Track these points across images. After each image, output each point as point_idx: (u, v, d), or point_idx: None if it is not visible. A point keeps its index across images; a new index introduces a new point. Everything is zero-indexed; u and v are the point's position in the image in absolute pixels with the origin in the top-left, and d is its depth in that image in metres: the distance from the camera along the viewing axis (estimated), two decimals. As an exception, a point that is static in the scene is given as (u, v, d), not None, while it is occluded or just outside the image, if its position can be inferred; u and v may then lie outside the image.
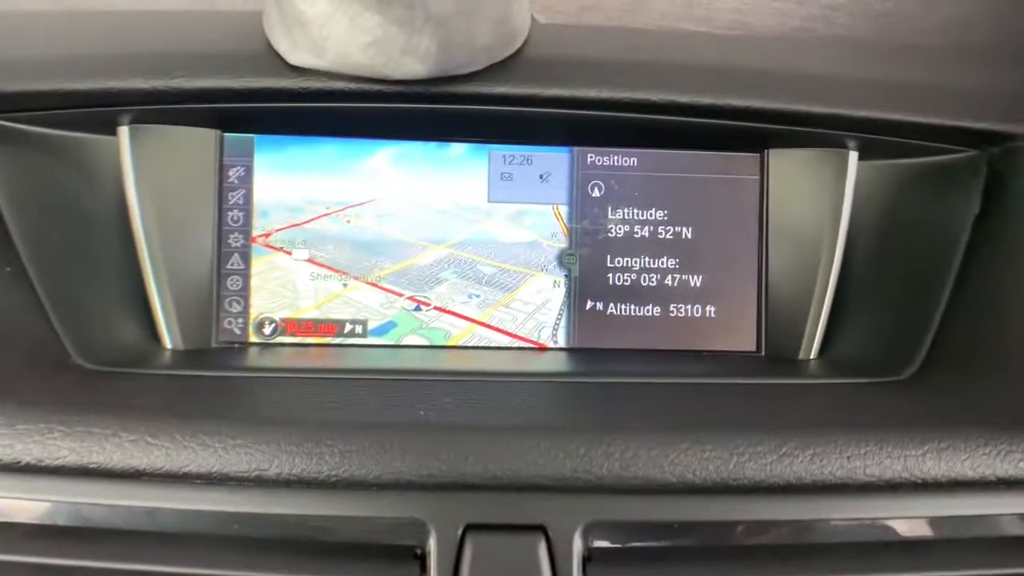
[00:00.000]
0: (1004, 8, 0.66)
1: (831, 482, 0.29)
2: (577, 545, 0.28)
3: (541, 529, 0.28)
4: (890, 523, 0.29)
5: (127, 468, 0.28)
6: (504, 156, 0.45)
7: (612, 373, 0.39)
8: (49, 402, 0.29)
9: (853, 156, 0.45)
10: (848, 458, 0.29)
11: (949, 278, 0.39)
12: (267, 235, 0.44)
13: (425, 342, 0.45)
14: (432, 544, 0.27)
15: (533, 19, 0.61)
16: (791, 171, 0.46)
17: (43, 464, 0.28)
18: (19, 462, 0.27)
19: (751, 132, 0.43)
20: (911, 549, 0.29)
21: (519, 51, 0.41)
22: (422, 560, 0.28)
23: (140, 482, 0.28)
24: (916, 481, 0.29)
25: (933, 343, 0.38)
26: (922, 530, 0.29)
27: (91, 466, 0.28)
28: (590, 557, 0.28)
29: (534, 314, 0.45)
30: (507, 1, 0.34)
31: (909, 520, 0.29)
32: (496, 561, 0.27)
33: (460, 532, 0.27)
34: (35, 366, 0.32)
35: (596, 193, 0.46)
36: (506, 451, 0.28)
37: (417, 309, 0.45)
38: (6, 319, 0.33)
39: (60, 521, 0.28)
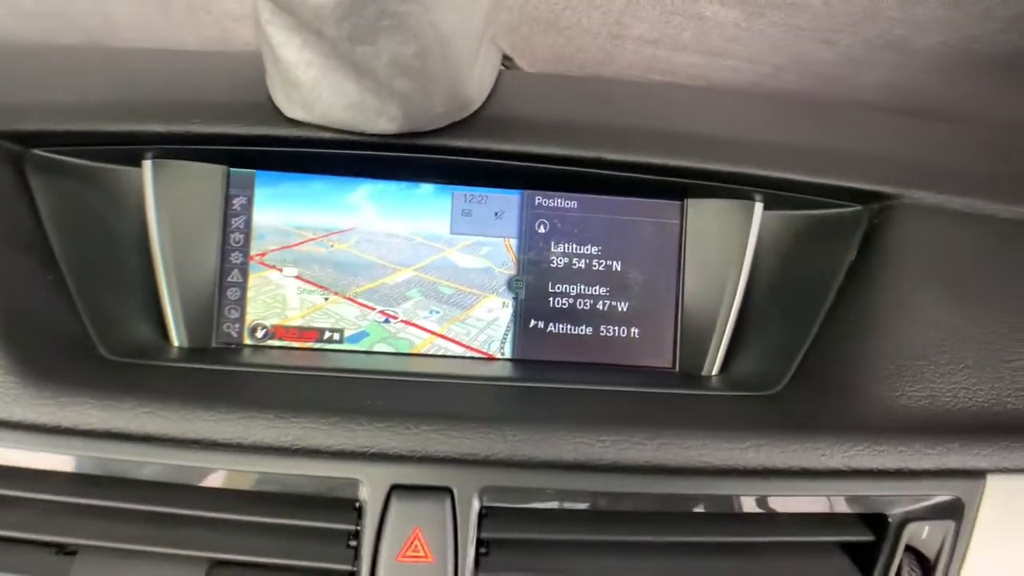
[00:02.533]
0: (924, 75, 0.74)
1: (670, 466, 0.37)
2: (475, 504, 0.36)
3: (448, 491, 0.36)
4: (722, 499, 0.37)
5: (141, 432, 0.36)
6: (465, 195, 0.54)
7: (544, 380, 0.47)
8: (82, 383, 0.37)
9: (759, 207, 0.53)
10: (686, 448, 0.37)
11: (820, 313, 0.47)
12: (263, 254, 0.52)
13: (392, 349, 0.53)
14: (366, 498, 0.36)
15: (514, 66, 0.70)
16: (706, 218, 0.54)
17: (78, 428, 0.36)
18: (60, 426, 0.36)
19: (672, 184, 0.51)
20: (732, 520, 0.37)
21: (481, 109, 0.49)
22: (359, 511, 0.36)
23: (150, 444, 0.36)
24: (739, 468, 0.37)
25: (798, 366, 0.46)
26: (740, 506, 0.37)
27: (113, 431, 0.36)
28: (485, 514, 0.37)
29: (485, 329, 0.53)
30: (456, 81, 0.42)
31: (729, 497, 0.37)
32: (413, 513, 0.35)
33: (387, 490, 0.36)
34: (70, 355, 0.41)
35: (542, 229, 0.54)
36: (426, 432, 0.37)
37: (386, 321, 0.53)
38: (49, 318, 0.41)
39: (89, 471, 0.36)
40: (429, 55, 0.38)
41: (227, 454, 0.36)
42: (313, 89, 0.43)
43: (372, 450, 0.36)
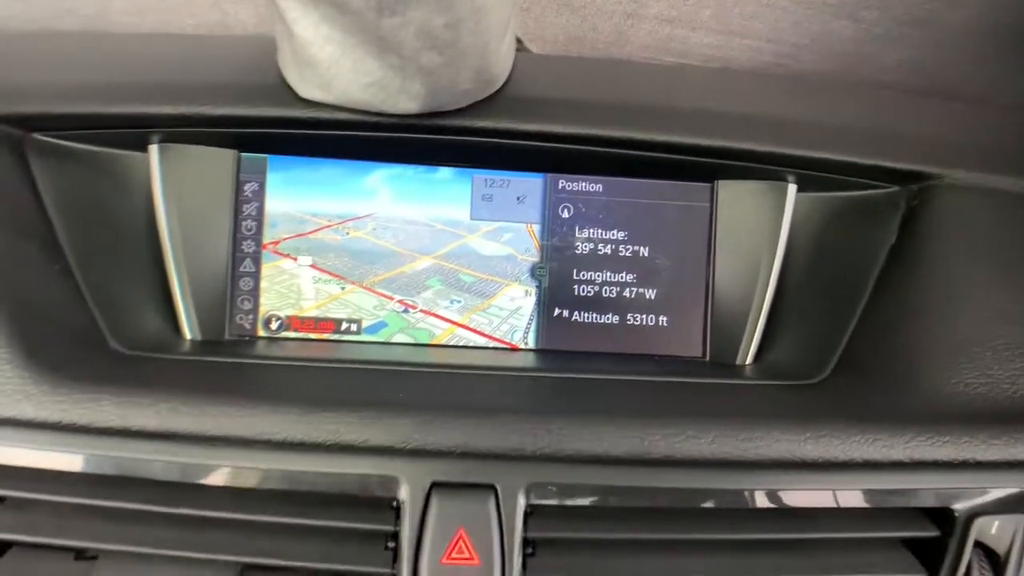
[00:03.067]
0: (951, 53, 0.72)
1: (726, 460, 0.35)
2: (520, 501, 0.34)
3: (492, 488, 0.34)
4: (776, 493, 0.36)
5: (161, 430, 0.34)
6: (485, 179, 0.51)
7: (572, 371, 0.45)
8: (95, 378, 0.35)
9: (792, 189, 0.51)
10: (741, 441, 0.35)
11: (862, 298, 0.45)
12: (276, 243, 0.50)
13: (411, 340, 0.51)
14: (406, 496, 0.33)
15: (524, 49, 0.68)
16: (737, 200, 0.52)
17: (93, 426, 0.34)
18: (75, 424, 0.34)
19: (703, 165, 0.49)
20: (789, 515, 0.36)
21: (501, 89, 0.47)
22: (397, 510, 0.34)
23: (171, 442, 0.34)
24: (796, 461, 0.35)
25: (842, 354, 0.44)
26: (797, 500, 0.36)
27: (133, 428, 0.34)
28: (531, 512, 0.35)
29: (508, 319, 0.51)
30: (484, 55, 0.40)
31: (788, 492, 0.35)
32: (456, 512, 0.33)
33: (427, 488, 0.34)
34: (80, 349, 0.38)
35: (566, 214, 0.52)
36: (467, 426, 0.34)
37: (405, 311, 0.51)
38: (56, 310, 0.39)
39: (106, 471, 0.34)
40: (462, 26, 0.36)
41: (255, 451, 0.34)
42: (331, 67, 0.41)
43: (411, 445, 0.34)
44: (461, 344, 0.51)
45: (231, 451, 0.33)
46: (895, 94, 0.63)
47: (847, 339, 0.44)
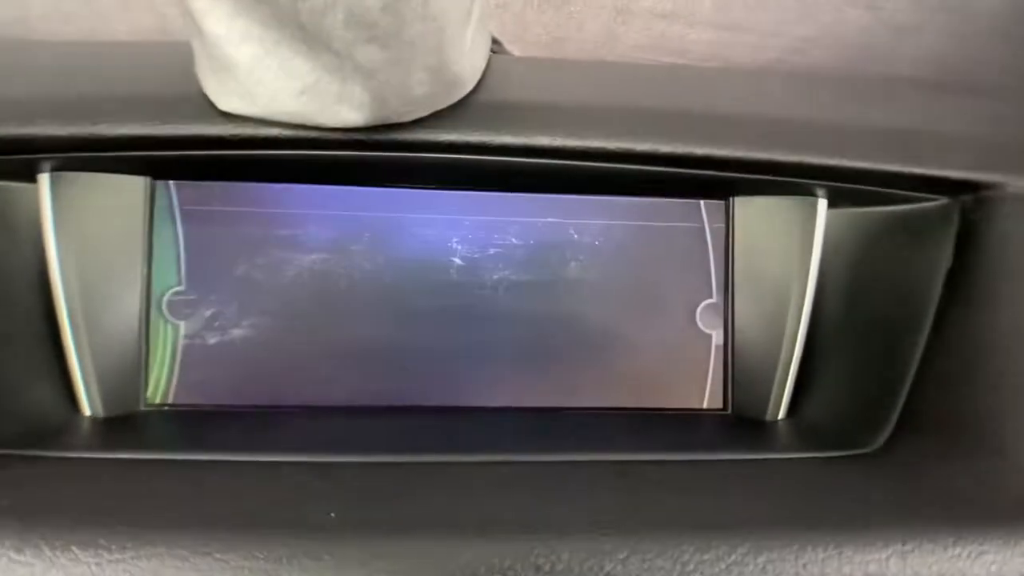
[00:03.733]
0: (981, 42, 0.65)
1: None
2: None
3: None
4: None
5: None
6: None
7: (556, 449, 0.36)
8: None
9: (822, 204, 0.43)
10: (804, 566, 0.26)
11: (921, 338, 0.37)
12: (201, 287, 0.41)
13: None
14: None
15: (502, 52, 0.59)
16: (758, 219, 0.43)
17: None
18: None
19: (716, 180, 0.41)
20: None
21: (471, 95, 0.38)
22: None
23: None
24: None
25: (903, 411, 0.35)
26: None
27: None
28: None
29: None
30: (440, 50, 0.31)
31: None
32: None
33: None
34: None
35: (551, 240, 0.43)
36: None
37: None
38: None
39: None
40: (404, 8, 0.27)
41: None
42: (252, 72, 0.33)
43: None
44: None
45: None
46: (931, 91, 0.55)
47: (907, 391, 0.36)
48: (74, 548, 0.24)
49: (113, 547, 0.24)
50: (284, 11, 0.28)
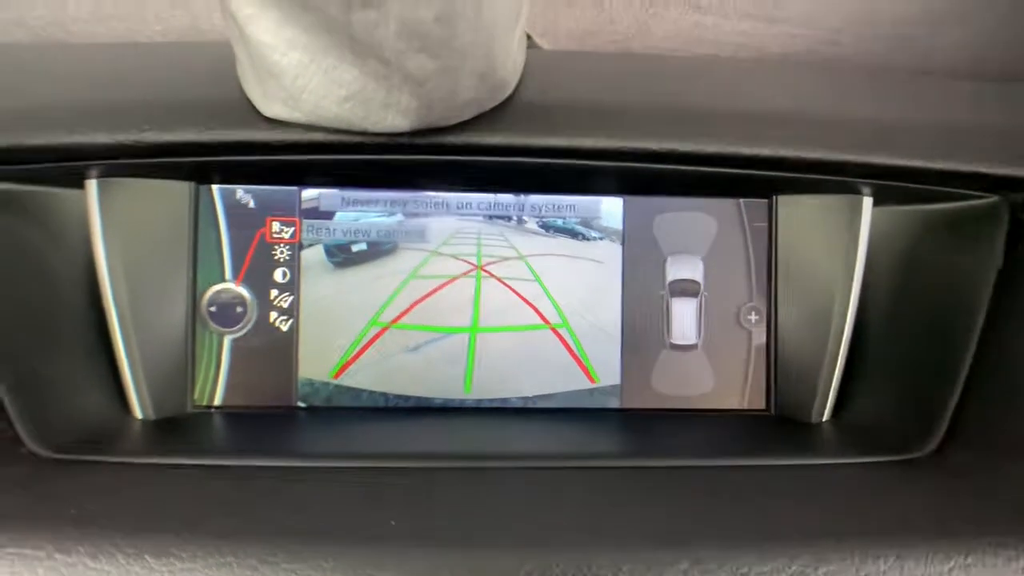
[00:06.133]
0: (1018, 30, 0.63)
1: None
2: None
3: None
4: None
5: None
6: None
7: (603, 455, 0.36)
8: None
9: (868, 202, 0.42)
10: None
11: (972, 339, 0.36)
12: (246, 290, 0.42)
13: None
14: None
15: (534, 46, 0.59)
16: (802, 218, 0.43)
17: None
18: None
19: (759, 179, 0.40)
20: None
21: (511, 96, 0.38)
22: None
23: None
24: None
25: (954, 415, 0.35)
26: None
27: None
28: None
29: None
30: (490, 56, 0.31)
31: None
32: None
33: None
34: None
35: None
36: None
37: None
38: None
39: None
40: (459, 19, 0.27)
41: None
42: (297, 78, 0.32)
43: None
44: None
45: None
46: (972, 82, 0.54)
47: (958, 395, 0.35)
48: (147, 556, 0.25)
49: (184, 555, 0.25)
50: (334, 21, 0.28)
